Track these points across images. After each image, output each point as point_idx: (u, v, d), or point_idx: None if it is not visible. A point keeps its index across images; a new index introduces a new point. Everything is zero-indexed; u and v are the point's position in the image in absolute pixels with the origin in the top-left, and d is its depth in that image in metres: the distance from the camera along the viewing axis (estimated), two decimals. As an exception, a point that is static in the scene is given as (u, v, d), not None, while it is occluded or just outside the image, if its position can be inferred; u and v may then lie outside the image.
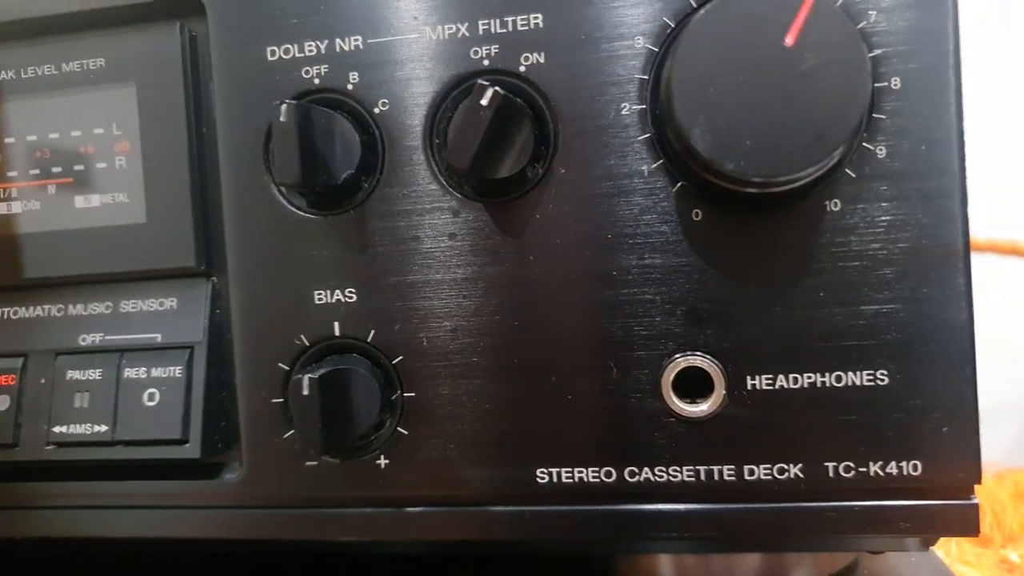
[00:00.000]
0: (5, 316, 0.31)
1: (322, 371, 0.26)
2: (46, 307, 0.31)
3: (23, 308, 0.31)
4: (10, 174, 0.31)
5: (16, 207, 0.31)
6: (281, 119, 0.25)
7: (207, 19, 0.28)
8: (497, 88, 0.24)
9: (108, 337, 0.30)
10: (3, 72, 0.30)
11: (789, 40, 0.22)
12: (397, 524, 0.28)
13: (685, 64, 0.23)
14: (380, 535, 0.28)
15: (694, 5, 0.25)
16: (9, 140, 0.31)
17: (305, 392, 0.26)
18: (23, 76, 0.30)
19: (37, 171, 0.30)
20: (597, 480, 0.26)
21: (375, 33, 0.27)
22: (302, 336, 0.28)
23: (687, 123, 0.23)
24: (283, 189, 0.28)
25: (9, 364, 0.30)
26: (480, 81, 0.25)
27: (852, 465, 0.25)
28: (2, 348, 0.31)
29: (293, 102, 0.26)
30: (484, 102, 0.24)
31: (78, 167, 0.30)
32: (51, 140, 0.30)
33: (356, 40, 0.27)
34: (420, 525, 0.28)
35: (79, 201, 0.30)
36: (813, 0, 0.22)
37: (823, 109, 0.23)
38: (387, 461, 0.28)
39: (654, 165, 0.26)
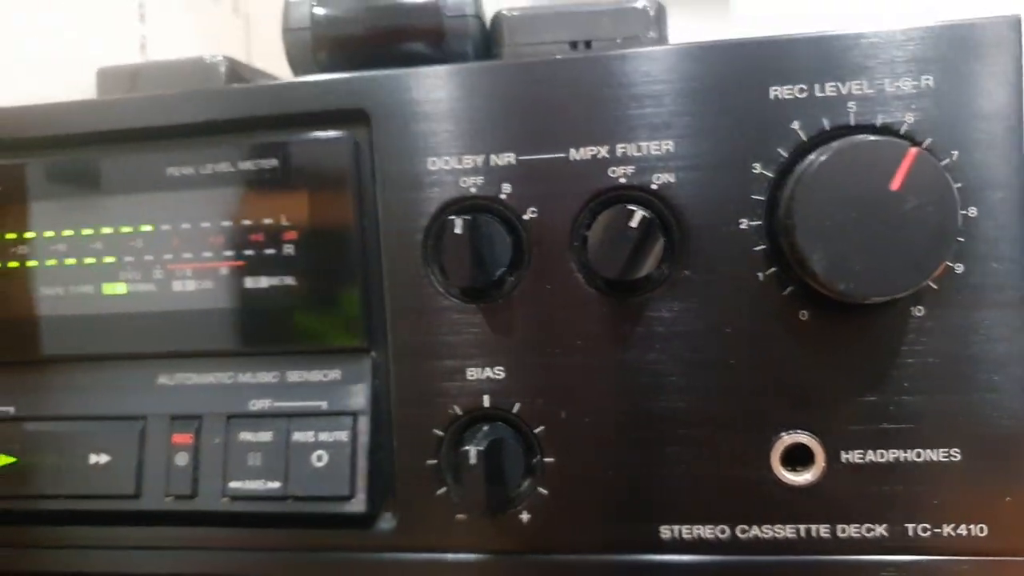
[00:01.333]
0: (180, 382, 0.35)
1: (485, 443, 0.31)
2: (218, 375, 0.35)
3: (196, 375, 0.35)
4: (185, 255, 0.35)
5: (190, 285, 0.35)
6: (456, 231, 0.30)
7: (371, 129, 0.33)
8: (644, 213, 0.29)
9: (276, 403, 0.34)
10: (185, 168, 0.34)
11: (894, 185, 0.27)
12: (536, 570, 0.33)
13: (807, 201, 0.28)
14: (519, 578, 0.33)
15: (803, 139, 0.30)
16: (185, 226, 0.35)
17: (472, 462, 0.30)
18: (201, 172, 0.34)
19: (210, 254, 0.35)
20: (713, 536, 0.31)
21: (526, 151, 0.32)
22: (455, 407, 0.33)
23: (807, 250, 0.28)
24: (440, 279, 0.33)
25: (186, 425, 0.35)
26: (629, 206, 0.30)
27: (929, 526, 0.30)
28: (179, 410, 0.35)
29: (468, 217, 0.30)
30: (633, 224, 0.29)
31: (248, 252, 0.34)
32: (224, 227, 0.34)
33: (509, 157, 0.32)
34: (556, 570, 0.33)
35: (248, 282, 0.34)
36: (915, 153, 0.27)
37: (920, 243, 0.27)
38: (529, 516, 0.32)
39: (767, 272, 0.30)
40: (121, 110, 0.35)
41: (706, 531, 0.31)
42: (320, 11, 0.36)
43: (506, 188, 0.32)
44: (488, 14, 0.38)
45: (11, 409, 0.37)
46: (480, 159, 0.32)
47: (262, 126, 0.34)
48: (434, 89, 0.32)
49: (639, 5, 0.36)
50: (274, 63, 0.45)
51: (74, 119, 0.36)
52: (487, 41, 0.38)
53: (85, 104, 0.36)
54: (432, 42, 0.36)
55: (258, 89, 0.34)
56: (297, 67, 0.38)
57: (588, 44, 0.36)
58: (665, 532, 0.32)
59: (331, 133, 0.33)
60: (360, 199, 0.33)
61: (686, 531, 0.32)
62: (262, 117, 0.34)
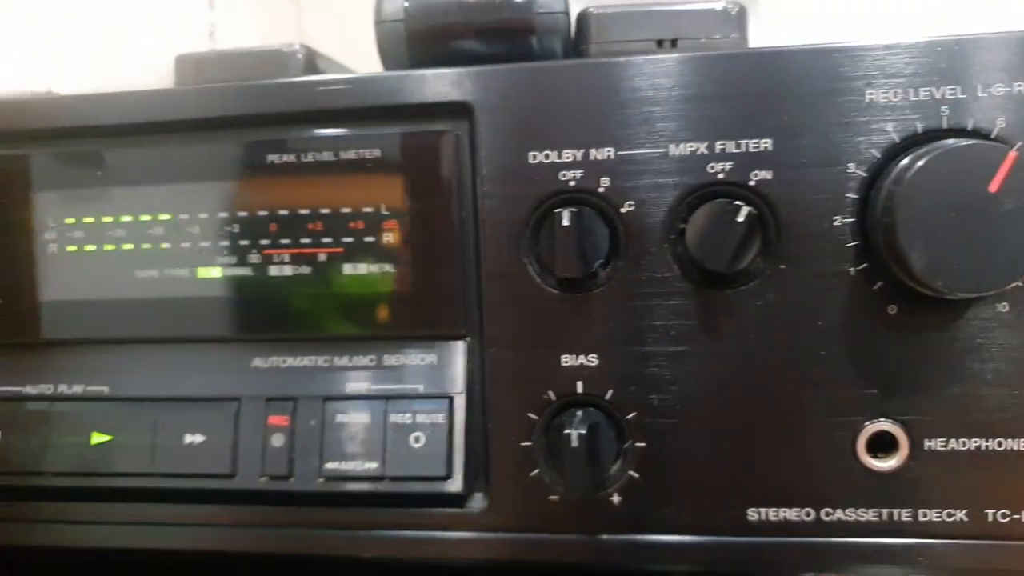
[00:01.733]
0: (275, 365, 0.36)
1: (584, 427, 0.32)
2: (313, 358, 0.36)
3: (292, 358, 0.36)
4: (283, 241, 0.36)
5: (287, 270, 0.36)
6: (564, 223, 0.31)
7: (474, 123, 0.34)
8: (751, 209, 0.31)
9: (373, 386, 0.35)
10: (286, 155, 0.35)
11: (993, 187, 0.29)
12: (622, 550, 0.34)
13: (907, 202, 0.29)
14: (607, 558, 0.34)
15: (896, 141, 0.31)
16: (283, 212, 0.36)
17: (574, 444, 0.32)
18: (302, 160, 0.35)
19: (308, 240, 0.35)
20: (799, 519, 0.33)
21: (626, 146, 0.33)
22: (550, 392, 0.34)
23: (907, 248, 0.29)
24: (537, 269, 0.34)
25: (282, 407, 0.36)
26: (736, 201, 0.31)
27: (1008, 512, 0.32)
28: (275, 393, 0.36)
29: (574, 209, 0.31)
30: (740, 219, 0.31)
31: (347, 239, 0.35)
32: (323, 215, 0.35)
33: (609, 151, 0.33)
34: (645, 551, 0.34)
35: (347, 268, 0.35)
36: (1015, 157, 0.29)
37: (1015, 242, 0.29)
38: (620, 498, 0.34)
39: (859, 267, 0.32)
40: (224, 97, 0.36)
41: (792, 514, 0.33)
42: (413, 4, 0.37)
43: (604, 182, 0.33)
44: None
45: (105, 388, 0.37)
46: (580, 153, 0.33)
47: (366, 117, 0.35)
48: (537, 85, 0.33)
49: (722, 6, 0.37)
50: (323, 46, 0.46)
51: (173, 104, 0.36)
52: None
53: (185, 92, 0.37)
54: (522, 38, 0.37)
55: (364, 80, 0.35)
56: (388, 58, 0.38)
57: (674, 43, 0.37)
58: (752, 515, 0.33)
59: (434, 126, 0.34)
60: (460, 190, 0.34)
61: (772, 513, 0.33)
62: (366, 108, 0.35)
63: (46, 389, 0.38)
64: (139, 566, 0.41)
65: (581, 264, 0.32)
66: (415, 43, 0.38)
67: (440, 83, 0.34)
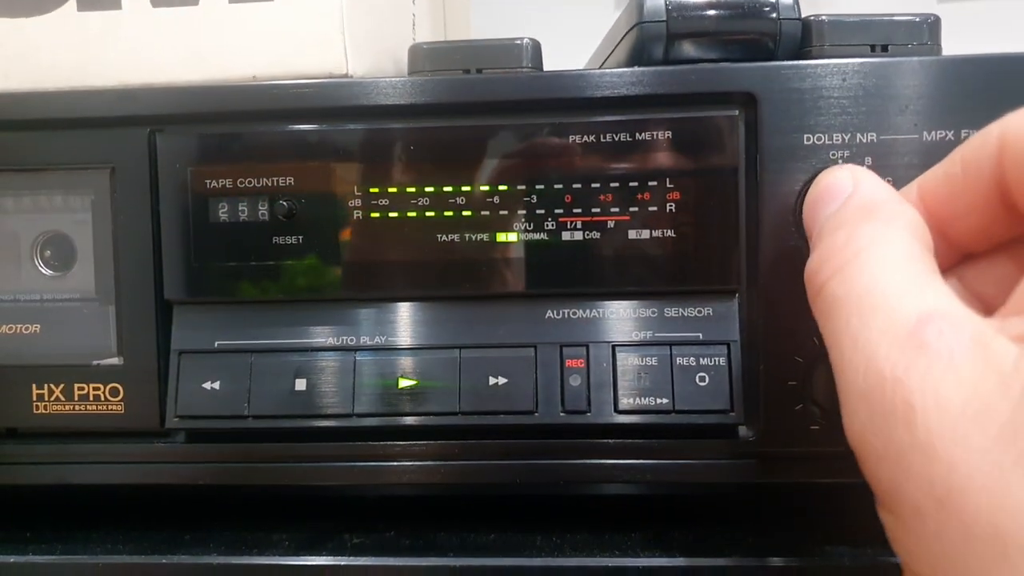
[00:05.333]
0: (567, 316, 0.42)
1: (862, 363, 0.38)
2: (601, 310, 0.42)
3: (581, 310, 0.42)
4: (575, 210, 0.41)
5: (578, 235, 0.41)
6: (856, 193, 0.38)
7: (758, 109, 0.40)
8: (1008, 182, 0.38)
9: (657, 334, 0.41)
10: (587, 136, 0.41)
11: None
12: (874, 469, 0.41)
13: None
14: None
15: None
16: (576, 186, 0.41)
17: (859, 378, 0.38)
18: (601, 140, 0.41)
19: (598, 209, 0.41)
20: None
21: (885, 132, 0.39)
22: (815, 338, 0.40)
23: None
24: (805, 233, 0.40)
25: (576, 352, 0.41)
26: (992, 176, 0.38)
27: None
28: (568, 340, 0.41)
29: (864, 182, 0.38)
30: (998, 191, 0.37)
31: (633, 209, 0.41)
32: (612, 188, 0.41)
33: (872, 135, 0.39)
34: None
35: (632, 234, 0.41)
36: None
37: None
38: (873, 426, 0.40)
39: (1075, 233, 0.39)
40: (524, 84, 0.41)
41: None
42: (675, 8, 0.43)
43: (868, 160, 0.40)
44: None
45: (407, 339, 0.42)
46: (847, 136, 0.40)
47: (655, 104, 0.41)
48: (811, 79, 0.40)
49: (924, 18, 0.44)
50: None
51: (478, 89, 0.42)
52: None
53: (492, 78, 0.42)
54: (768, 40, 0.43)
55: (656, 72, 0.41)
56: (641, 53, 0.44)
57: (885, 48, 0.44)
58: (983, 438, 0.40)
59: (722, 112, 0.40)
60: (741, 166, 0.40)
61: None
62: (657, 95, 0.40)
63: (348, 340, 0.42)
64: (424, 506, 0.46)
65: (858, 228, 0.39)
66: (673, 41, 0.44)
67: (729, 76, 0.40)
